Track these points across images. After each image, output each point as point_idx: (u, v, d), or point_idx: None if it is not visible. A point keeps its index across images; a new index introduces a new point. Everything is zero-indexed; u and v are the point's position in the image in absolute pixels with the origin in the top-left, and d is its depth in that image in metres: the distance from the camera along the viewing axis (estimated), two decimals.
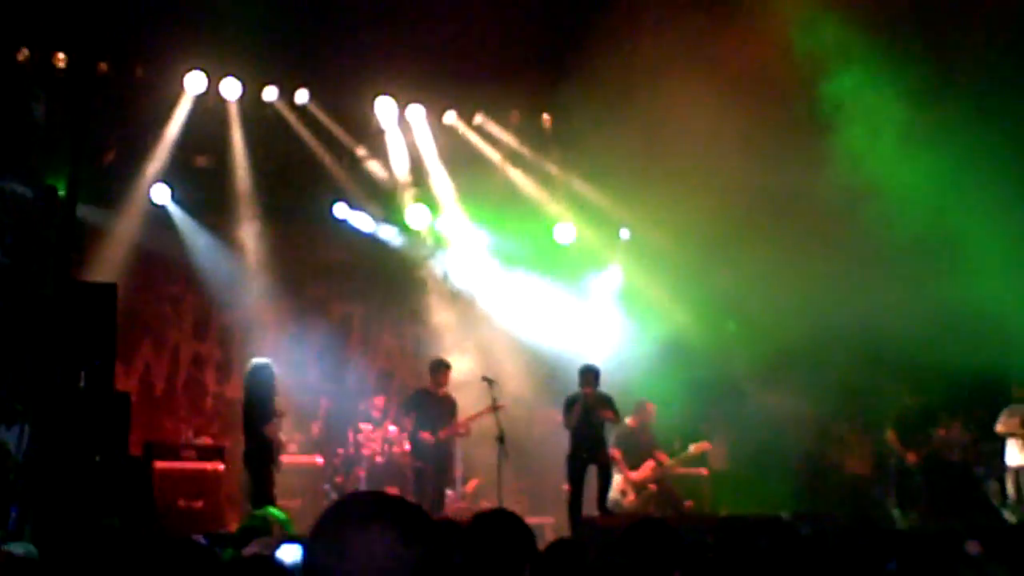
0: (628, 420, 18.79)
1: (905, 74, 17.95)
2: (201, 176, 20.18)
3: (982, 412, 18.63)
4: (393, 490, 18.73)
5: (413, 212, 21.37)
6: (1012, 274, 18.21)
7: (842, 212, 18.18)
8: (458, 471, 19.20)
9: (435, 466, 17.81)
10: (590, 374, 17.32)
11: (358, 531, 2.65)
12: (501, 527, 4.81)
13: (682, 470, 19.40)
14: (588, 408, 17.10)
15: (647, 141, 19.84)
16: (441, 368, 18.16)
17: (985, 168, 17.35)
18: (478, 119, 21.51)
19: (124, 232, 19.41)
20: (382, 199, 21.33)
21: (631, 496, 18.41)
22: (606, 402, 17.39)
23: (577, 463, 17.15)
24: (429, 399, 18.02)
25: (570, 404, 17.24)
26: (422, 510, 2.79)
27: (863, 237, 18.09)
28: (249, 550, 5.40)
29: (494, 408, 17.56)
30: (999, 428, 18.22)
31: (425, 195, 21.42)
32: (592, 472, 17.30)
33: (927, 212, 18.01)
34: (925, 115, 17.99)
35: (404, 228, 21.51)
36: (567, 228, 21.67)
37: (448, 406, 18.09)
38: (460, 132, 21.50)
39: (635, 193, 20.54)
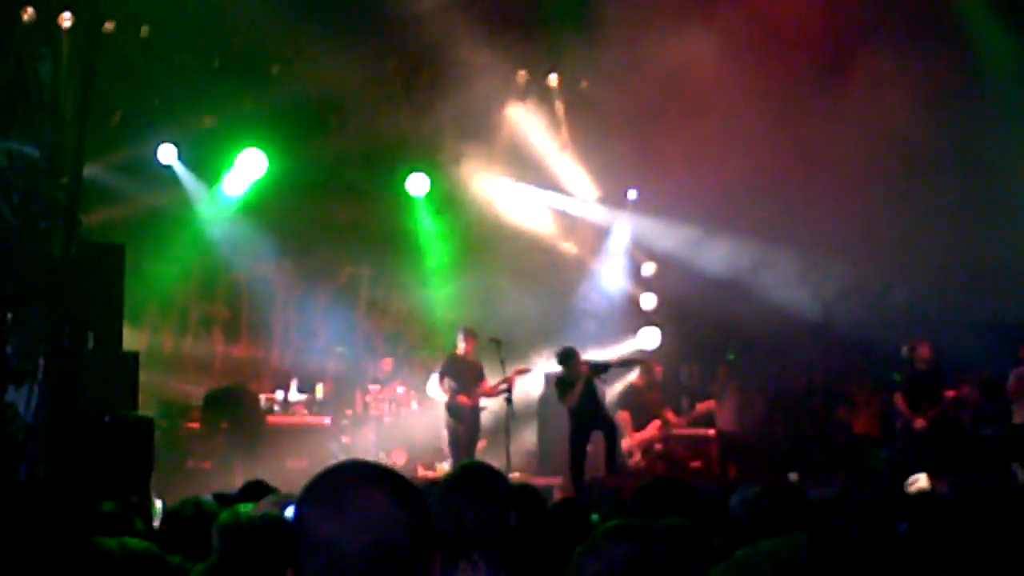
0: (635, 380, 18.81)
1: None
2: (208, 136, 20.09)
3: (996, 371, 18.59)
4: (400, 450, 18.81)
5: (413, 180, 21.27)
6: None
7: (857, 170, 18.19)
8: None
9: (467, 428, 17.91)
10: (578, 358, 17.35)
11: (353, 493, 2.69)
12: (487, 483, 4.78)
13: (689, 430, 19.41)
14: (588, 390, 17.16)
15: (655, 102, 19.83)
16: (469, 335, 18.21)
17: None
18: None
19: (131, 192, 19.37)
20: (387, 160, 21.24)
21: (637, 456, 18.45)
22: (601, 369, 17.51)
23: (580, 432, 17.19)
24: (461, 364, 18.09)
25: (568, 385, 17.24)
26: (408, 479, 2.81)
27: (877, 194, 18.06)
28: (260, 508, 5.40)
29: (521, 372, 17.73)
30: (1009, 388, 18.18)
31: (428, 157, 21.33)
32: (597, 435, 17.34)
33: (945, 168, 18.04)
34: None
35: (405, 193, 21.41)
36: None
37: (477, 370, 18.16)
38: None
39: (644, 153, 20.50)
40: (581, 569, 3.06)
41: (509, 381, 17.80)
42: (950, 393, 17.99)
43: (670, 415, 19.03)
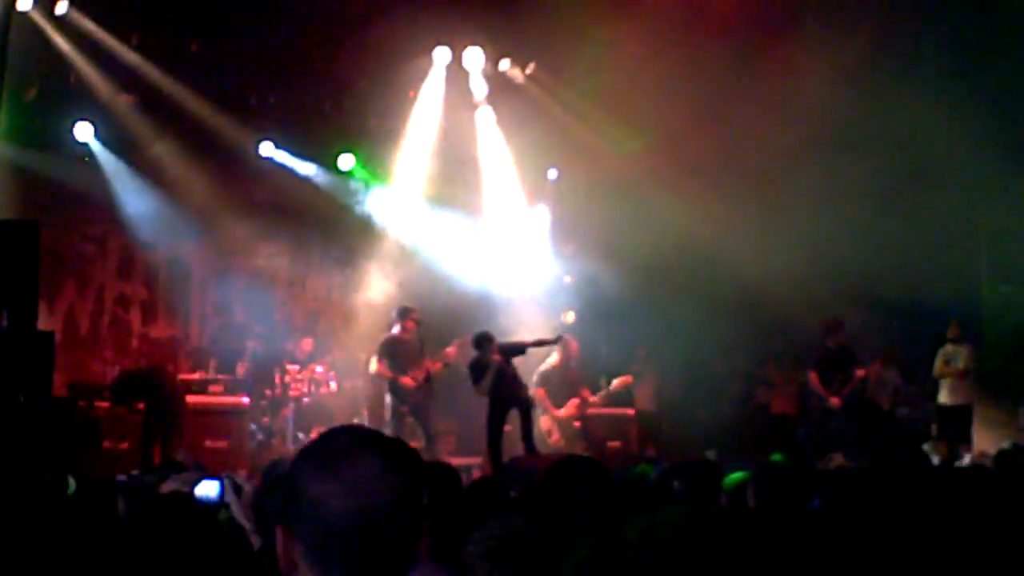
0: (553, 358, 18.84)
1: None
2: (125, 113, 19.88)
3: (918, 352, 18.82)
4: (320, 430, 18.71)
5: (342, 158, 21.24)
6: (960, 215, 18.46)
7: (780, 150, 18.30)
8: (386, 410, 19.16)
9: (411, 407, 17.84)
10: (492, 343, 17.31)
11: (347, 457, 2.70)
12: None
13: (608, 410, 19.47)
14: (500, 374, 17.15)
15: (581, 82, 19.93)
16: (407, 314, 18.08)
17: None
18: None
19: (47, 170, 19.17)
20: (310, 139, 21.15)
21: (556, 435, 18.48)
22: (516, 351, 17.50)
23: (496, 411, 17.18)
24: (399, 345, 17.95)
25: (481, 370, 17.21)
26: (403, 443, 2.85)
27: (800, 175, 18.17)
28: (168, 486, 5.36)
29: (459, 346, 17.72)
30: (935, 369, 18.43)
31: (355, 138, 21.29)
32: (513, 414, 17.34)
33: (877, 154, 18.21)
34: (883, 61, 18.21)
35: (332, 169, 21.36)
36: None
37: (416, 350, 18.04)
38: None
39: (565, 133, 20.59)
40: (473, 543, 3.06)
41: (448, 357, 17.81)
42: (860, 372, 18.20)
43: (587, 394, 19.08)
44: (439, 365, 17.91)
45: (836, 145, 18.69)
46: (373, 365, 18.11)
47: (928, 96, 17.43)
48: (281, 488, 2.77)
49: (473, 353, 17.33)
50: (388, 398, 17.92)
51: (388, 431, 17.10)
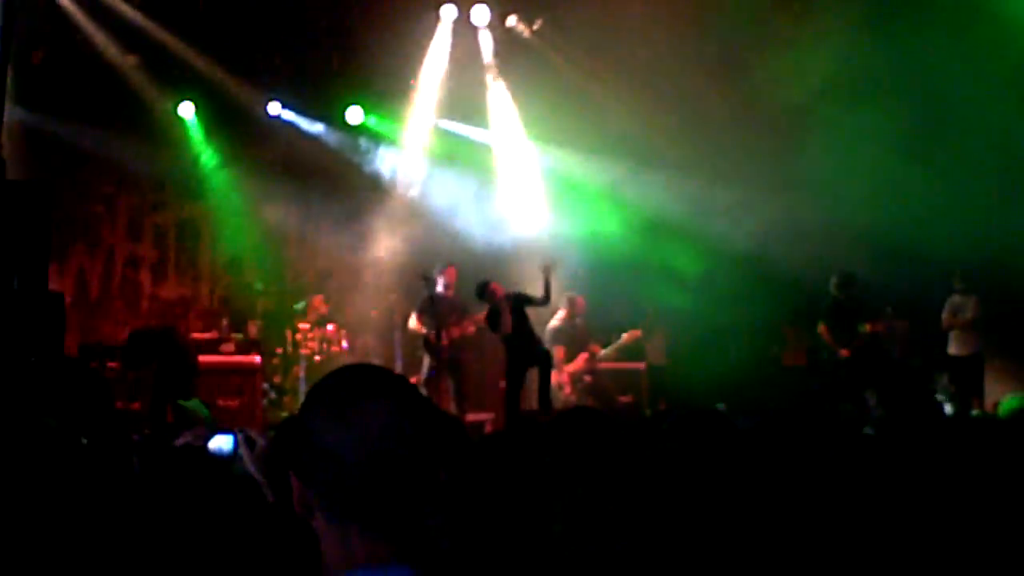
0: (560, 315, 18.86)
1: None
2: (132, 74, 19.86)
3: (932, 302, 18.78)
4: None
5: (351, 111, 21.21)
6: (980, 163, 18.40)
7: (791, 104, 18.25)
8: (397, 368, 19.22)
9: (448, 365, 17.89)
10: (490, 287, 17.29)
11: (358, 402, 2.68)
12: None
13: (619, 364, 19.51)
14: (520, 316, 17.15)
15: (588, 40, 19.87)
16: (444, 269, 18.08)
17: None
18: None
19: (57, 132, 19.19)
20: (317, 97, 21.13)
21: (567, 389, 18.52)
22: (522, 299, 17.44)
23: (515, 366, 17.19)
24: (439, 302, 17.91)
25: (496, 314, 17.21)
26: (412, 385, 2.81)
27: (825, 130, 18.13)
28: (180, 440, 5.38)
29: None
30: (944, 320, 18.42)
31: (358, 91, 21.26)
32: (531, 371, 17.38)
33: (895, 103, 18.12)
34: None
35: (340, 127, 21.35)
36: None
37: (457, 307, 18.06)
38: None
39: (573, 91, 20.53)
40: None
41: (480, 321, 17.83)
42: (868, 326, 18.16)
43: (596, 348, 19.11)
44: (472, 328, 17.89)
45: (853, 95, 18.61)
46: (412, 322, 18.11)
47: (946, 41, 17.37)
48: (292, 433, 2.76)
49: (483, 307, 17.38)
50: (424, 356, 17.95)
51: (423, 389, 17.18)
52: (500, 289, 17.28)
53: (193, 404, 7.38)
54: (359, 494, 2.64)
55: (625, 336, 19.68)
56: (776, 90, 18.11)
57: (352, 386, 2.73)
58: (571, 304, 18.90)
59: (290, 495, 2.73)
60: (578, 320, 19.01)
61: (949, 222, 17.68)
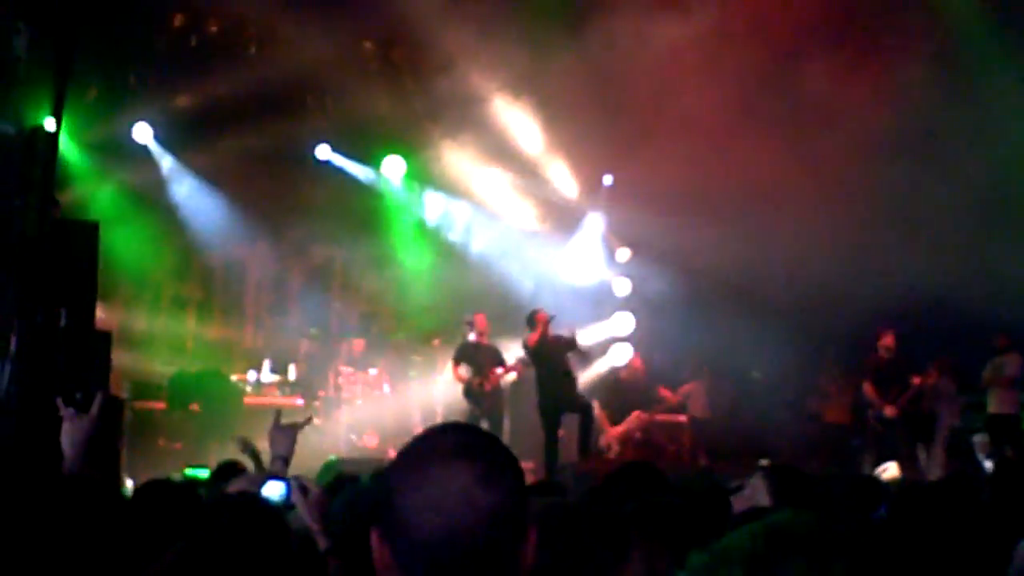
0: (620, 372, 18.92)
1: None
2: (183, 115, 20.03)
3: (971, 363, 18.70)
4: (373, 433, 18.81)
5: (389, 162, 21.29)
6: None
7: (850, 164, 18.23)
8: (438, 414, 19.24)
9: (486, 411, 17.88)
10: (537, 316, 17.28)
11: (436, 467, 2.54)
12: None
13: (663, 417, 19.45)
14: (555, 352, 17.14)
15: (635, 90, 19.88)
16: (474, 316, 18.16)
17: None
18: None
19: (106, 171, 19.35)
20: (364, 141, 21.24)
21: (616, 448, 18.50)
22: (568, 344, 17.40)
23: (550, 411, 17.14)
24: (474, 350, 18.05)
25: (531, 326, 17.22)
26: (511, 453, 2.64)
27: (869, 187, 18.15)
28: (235, 486, 5.38)
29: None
30: (984, 378, 18.37)
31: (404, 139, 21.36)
32: (570, 417, 17.32)
33: (945, 162, 18.10)
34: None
35: (386, 171, 21.44)
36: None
37: (493, 354, 18.10)
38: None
39: (620, 140, 20.54)
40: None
41: (509, 371, 17.86)
42: (916, 380, 18.09)
43: (664, 391, 19.17)
44: (521, 368, 17.88)
45: (889, 150, 18.57)
46: (448, 371, 18.17)
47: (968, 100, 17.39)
48: (375, 487, 2.70)
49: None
50: (466, 403, 17.97)
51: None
52: (545, 315, 17.22)
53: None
54: (431, 559, 2.52)
55: (683, 388, 19.64)
56: (825, 143, 18.07)
57: (435, 446, 2.59)
58: (629, 366, 19.02)
59: (346, 544, 2.67)
60: (637, 379, 19.09)
61: (998, 280, 17.63)
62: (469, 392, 17.81)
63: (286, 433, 6.41)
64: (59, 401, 5.66)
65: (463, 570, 2.53)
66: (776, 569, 2.00)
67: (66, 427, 5.60)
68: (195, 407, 17.60)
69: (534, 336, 17.07)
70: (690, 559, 2.07)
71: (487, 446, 2.63)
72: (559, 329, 17.25)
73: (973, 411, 18.78)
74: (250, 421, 17.78)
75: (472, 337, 18.04)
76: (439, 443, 2.61)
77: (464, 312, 18.77)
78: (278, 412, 6.18)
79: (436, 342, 20.05)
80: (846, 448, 19.05)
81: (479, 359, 17.81)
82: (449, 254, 21.47)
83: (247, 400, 18.35)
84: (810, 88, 18.02)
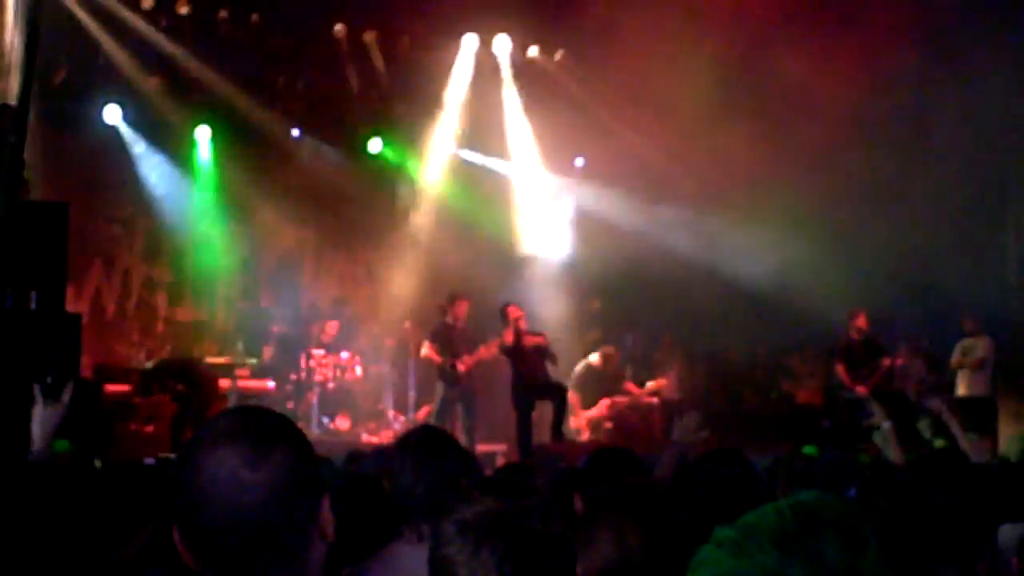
0: (594, 362, 18.92)
1: None
2: (153, 96, 19.94)
3: (933, 341, 18.79)
4: (345, 415, 18.77)
5: (370, 141, 21.32)
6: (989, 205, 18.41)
7: (816, 147, 18.26)
8: (410, 397, 19.22)
9: (462, 396, 17.86)
10: (508, 308, 17.33)
11: (208, 453, 2.51)
12: (440, 450, 4.70)
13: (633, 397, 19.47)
14: (526, 342, 17.18)
15: (600, 70, 19.91)
16: (455, 300, 18.09)
17: None
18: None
19: (76, 152, 19.25)
20: (337, 124, 21.20)
21: (586, 434, 18.53)
22: (540, 352, 17.46)
23: (524, 396, 17.17)
24: (450, 331, 17.97)
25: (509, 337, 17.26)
26: (284, 426, 2.62)
27: (835, 169, 18.21)
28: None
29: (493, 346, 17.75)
30: (953, 361, 18.45)
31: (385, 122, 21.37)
32: (543, 402, 17.37)
33: (905, 148, 18.16)
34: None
35: (359, 155, 21.40)
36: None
37: (469, 336, 18.05)
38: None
39: (592, 121, 20.58)
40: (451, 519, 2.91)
41: (487, 353, 17.83)
42: (886, 361, 18.17)
43: (630, 386, 19.17)
44: (495, 349, 17.86)
45: (865, 136, 18.64)
46: (424, 349, 18.11)
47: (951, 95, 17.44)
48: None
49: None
50: (438, 385, 17.93)
51: (433, 419, 17.18)
52: (516, 310, 17.26)
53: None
54: (212, 546, 2.50)
55: (651, 385, 19.61)
56: (799, 128, 18.09)
57: (204, 437, 2.56)
58: (605, 358, 18.99)
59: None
60: (611, 368, 19.07)
61: (965, 261, 17.71)
62: (442, 374, 17.78)
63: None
64: (36, 388, 5.56)
65: (253, 553, 2.50)
66: (810, 547, 1.98)
67: (37, 412, 5.53)
68: (180, 389, 17.48)
69: (509, 334, 17.12)
70: (716, 534, 2.05)
71: (254, 426, 2.59)
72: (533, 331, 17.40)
73: (943, 392, 18.87)
74: (221, 404, 17.76)
75: (448, 319, 18.01)
76: (210, 432, 2.57)
77: (436, 295, 18.76)
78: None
79: (407, 324, 19.99)
80: (817, 429, 19.09)
81: (454, 341, 17.78)
82: (421, 237, 21.43)
83: (222, 383, 18.24)
84: (786, 72, 18.05)
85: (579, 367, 18.84)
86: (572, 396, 18.39)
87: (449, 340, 17.76)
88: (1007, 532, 4.96)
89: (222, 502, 2.47)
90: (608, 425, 18.68)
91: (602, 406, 18.73)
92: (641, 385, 19.57)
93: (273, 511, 2.50)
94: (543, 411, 17.40)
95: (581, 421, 18.60)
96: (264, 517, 2.49)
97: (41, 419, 5.59)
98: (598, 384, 18.87)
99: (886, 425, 7.08)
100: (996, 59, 17.21)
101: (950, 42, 18.00)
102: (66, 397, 5.65)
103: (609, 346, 19.24)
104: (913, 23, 18.09)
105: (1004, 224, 19.88)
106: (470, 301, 18.03)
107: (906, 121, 18.68)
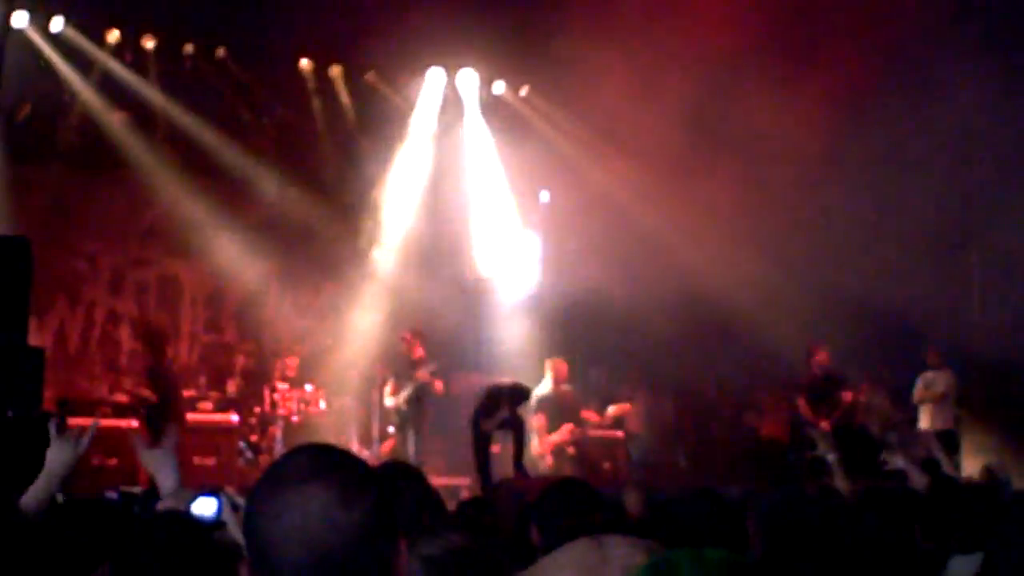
0: (545, 382, 18.77)
1: None
2: (119, 131, 19.93)
3: (908, 379, 18.87)
4: None
5: (336, 174, 21.38)
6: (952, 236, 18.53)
7: (778, 181, 18.35)
8: (375, 429, 19.25)
9: (413, 427, 18.13)
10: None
11: (295, 490, 2.48)
12: (405, 483, 4.72)
13: (600, 432, 19.42)
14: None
15: (565, 106, 20.01)
16: (412, 336, 18.32)
17: None
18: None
19: (39, 185, 19.23)
20: (302, 160, 21.22)
21: (549, 460, 18.43)
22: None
23: (481, 431, 17.15)
24: (408, 366, 18.36)
25: (492, 410, 17.15)
26: (368, 467, 2.62)
27: (798, 202, 18.30)
28: (164, 504, 5.33)
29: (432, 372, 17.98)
30: (915, 395, 18.52)
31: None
32: (503, 435, 17.34)
33: (866, 176, 18.26)
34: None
35: (325, 187, 21.42)
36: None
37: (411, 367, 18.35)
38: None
39: (555, 154, 20.68)
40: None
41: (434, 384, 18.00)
42: (848, 395, 18.24)
43: (589, 414, 19.12)
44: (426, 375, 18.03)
45: (824, 168, 18.72)
46: (388, 395, 18.39)
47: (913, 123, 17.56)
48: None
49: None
50: (397, 417, 18.28)
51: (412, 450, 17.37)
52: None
53: None
54: None
55: (613, 409, 19.56)
56: (765, 164, 18.20)
57: (288, 473, 2.54)
58: (554, 371, 18.79)
59: None
60: (563, 387, 18.86)
61: (929, 295, 17.81)
62: (398, 409, 17.98)
63: (163, 458, 5.74)
64: (52, 425, 5.48)
65: None
66: None
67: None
68: (132, 423, 17.41)
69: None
70: None
71: (342, 464, 2.58)
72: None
73: (907, 426, 18.96)
74: (185, 438, 17.69)
75: (409, 354, 18.11)
76: (293, 468, 2.56)
77: (397, 331, 18.91)
78: (137, 436, 5.77)
79: (373, 357, 20.00)
80: (782, 463, 19.13)
81: (408, 375, 18.01)
82: (384, 272, 21.46)
83: (189, 417, 18.17)
84: (753, 108, 18.15)
85: (537, 392, 18.75)
86: (541, 418, 18.31)
87: (408, 376, 18.07)
88: (958, 563, 5.00)
89: (310, 541, 2.45)
90: (571, 451, 18.61)
91: (564, 431, 18.64)
92: (600, 411, 19.54)
93: (361, 552, 2.49)
94: (501, 442, 17.39)
95: (546, 446, 18.47)
96: (352, 557, 2.48)
97: (50, 461, 5.52)
98: (557, 405, 18.78)
99: (831, 457, 7.18)
100: (965, 94, 17.34)
101: (918, 79, 18.14)
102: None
103: (553, 361, 19.00)
104: (881, 56, 18.26)
105: (968, 258, 19.98)
106: (409, 334, 18.28)
107: (872, 162, 18.80)
